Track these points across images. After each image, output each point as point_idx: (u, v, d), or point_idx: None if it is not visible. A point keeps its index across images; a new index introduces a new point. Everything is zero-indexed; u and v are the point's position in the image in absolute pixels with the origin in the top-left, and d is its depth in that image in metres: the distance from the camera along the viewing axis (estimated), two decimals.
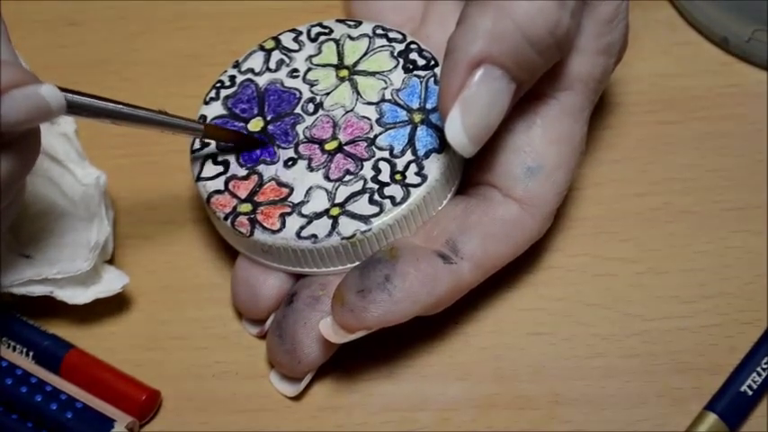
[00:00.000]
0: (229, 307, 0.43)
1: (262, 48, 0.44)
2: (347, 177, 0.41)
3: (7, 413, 0.41)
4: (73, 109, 0.37)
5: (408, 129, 0.41)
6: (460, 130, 0.38)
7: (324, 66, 0.43)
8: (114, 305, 0.44)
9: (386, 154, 0.41)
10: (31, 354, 0.42)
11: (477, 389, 0.41)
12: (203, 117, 0.43)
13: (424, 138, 0.41)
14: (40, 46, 0.50)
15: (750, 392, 0.40)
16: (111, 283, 0.43)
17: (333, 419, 0.41)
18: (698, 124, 0.46)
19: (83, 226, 0.43)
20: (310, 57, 0.44)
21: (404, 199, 0.40)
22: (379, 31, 0.44)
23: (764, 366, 0.40)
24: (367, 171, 0.41)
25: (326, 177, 0.41)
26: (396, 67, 0.43)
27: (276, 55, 0.44)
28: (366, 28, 0.44)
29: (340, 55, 0.44)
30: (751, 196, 0.44)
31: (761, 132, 0.46)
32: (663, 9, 0.49)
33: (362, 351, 0.41)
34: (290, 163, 0.41)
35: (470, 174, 0.41)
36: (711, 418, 0.39)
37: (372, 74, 0.43)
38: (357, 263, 0.40)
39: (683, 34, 0.48)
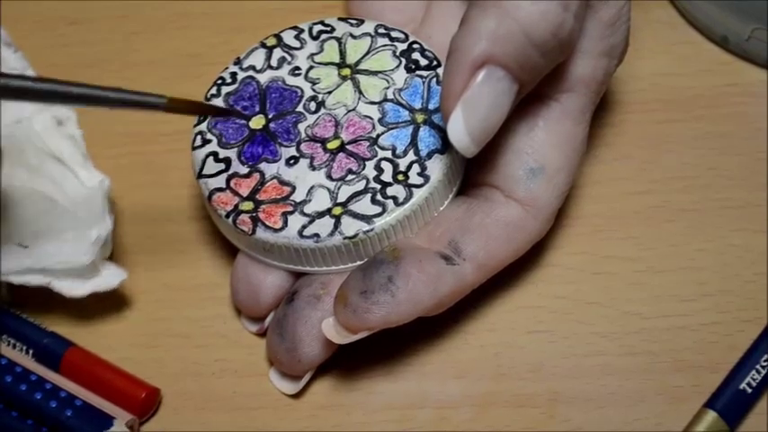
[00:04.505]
0: (229, 305, 0.43)
1: (263, 45, 0.44)
2: (349, 177, 0.41)
3: (7, 411, 0.41)
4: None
5: (411, 129, 0.41)
6: (463, 131, 0.38)
7: (326, 64, 0.43)
8: (114, 303, 0.44)
9: (388, 154, 0.41)
10: (30, 351, 0.42)
11: (475, 387, 0.41)
12: None
13: (427, 138, 0.41)
14: (41, 45, 0.50)
15: (750, 390, 0.40)
16: (109, 277, 0.42)
17: (332, 418, 0.41)
18: (698, 123, 0.46)
19: (84, 227, 0.43)
20: (312, 55, 0.44)
21: (406, 199, 0.40)
22: (381, 31, 0.44)
23: (764, 364, 0.40)
24: (369, 171, 0.41)
25: (329, 176, 0.41)
26: (398, 66, 0.43)
27: (278, 52, 0.44)
28: (368, 27, 0.44)
29: (342, 53, 0.44)
30: (751, 195, 0.44)
31: (760, 131, 0.46)
32: (663, 8, 0.49)
33: (361, 349, 0.41)
34: (291, 161, 0.41)
35: (472, 175, 0.41)
36: (711, 415, 0.39)
37: (374, 73, 0.43)
38: (358, 262, 0.40)
39: (682, 33, 0.48)
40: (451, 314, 0.41)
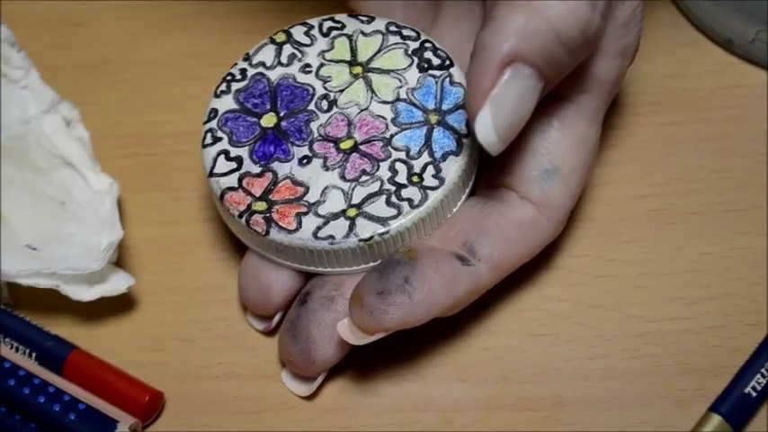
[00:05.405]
0: (233, 308, 0.43)
1: (273, 41, 0.44)
2: (363, 178, 0.40)
3: (10, 414, 0.41)
4: None
5: (424, 130, 0.41)
6: (491, 129, 0.37)
7: (337, 62, 0.43)
8: (118, 306, 0.43)
9: (402, 155, 0.41)
10: (33, 355, 0.42)
11: (479, 390, 0.41)
12: (215, 111, 0.42)
13: (441, 139, 0.41)
14: (43, 47, 0.49)
15: (754, 394, 0.40)
16: (117, 283, 0.42)
17: (336, 421, 0.41)
18: (701, 125, 0.46)
19: (92, 230, 0.43)
20: (323, 52, 0.43)
21: (422, 201, 0.40)
22: (393, 29, 0.43)
23: None
24: (383, 172, 0.40)
25: (342, 177, 0.40)
26: (410, 65, 0.42)
27: (288, 49, 0.43)
28: (379, 24, 0.43)
29: (353, 51, 0.43)
30: (755, 197, 0.44)
31: (763, 133, 0.46)
32: (666, 10, 0.49)
33: (367, 352, 0.40)
34: (304, 161, 0.41)
35: (486, 176, 0.41)
36: (716, 419, 0.39)
37: (387, 72, 0.42)
38: (372, 263, 0.40)
39: (686, 35, 0.48)
40: (455, 317, 0.41)
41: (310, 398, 0.41)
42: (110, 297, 0.42)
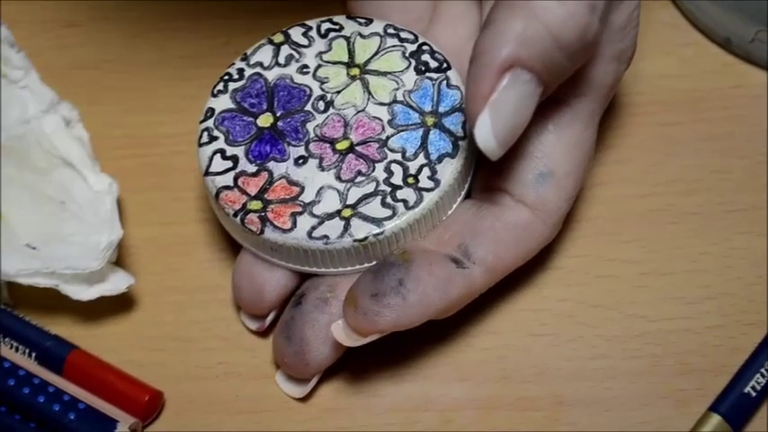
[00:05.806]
0: (233, 308, 0.43)
1: (270, 41, 0.44)
2: (359, 178, 0.40)
3: (10, 414, 0.41)
4: None
5: (421, 132, 0.41)
6: (490, 134, 0.37)
7: (334, 63, 0.43)
8: (117, 306, 0.43)
9: (398, 156, 0.41)
10: (33, 354, 0.42)
11: (479, 390, 0.41)
12: (211, 110, 0.42)
13: (437, 142, 0.41)
14: (40, 47, 0.49)
15: (754, 393, 0.40)
16: (117, 282, 0.42)
17: (336, 421, 0.41)
18: (701, 125, 0.46)
19: (92, 230, 0.43)
20: (320, 53, 0.43)
21: (417, 203, 0.40)
22: (391, 31, 0.43)
23: None
24: (379, 173, 0.40)
25: (338, 178, 0.40)
26: (408, 68, 0.42)
27: (285, 49, 0.43)
28: (377, 26, 0.44)
29: (351, 53, 0.43)
30: (755, 198, 0.44)
31: (763, 133, 0.45)
32: (665, 9, 0.49)
33: (365, 353, 0.40)
34: (300, 161, 0.41)
35: (481, 178, 0.41)
36: (715, 419, 0.39)
37: (384, 74, 0.42)
38: (366, 264, 0.40)
39: (685, 35, 0.48)
40: (455, 317, 0.41)
41: (308, 398, 0.41)
42: (109, 297, 0.42)
